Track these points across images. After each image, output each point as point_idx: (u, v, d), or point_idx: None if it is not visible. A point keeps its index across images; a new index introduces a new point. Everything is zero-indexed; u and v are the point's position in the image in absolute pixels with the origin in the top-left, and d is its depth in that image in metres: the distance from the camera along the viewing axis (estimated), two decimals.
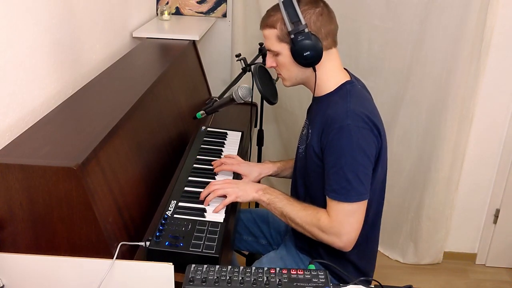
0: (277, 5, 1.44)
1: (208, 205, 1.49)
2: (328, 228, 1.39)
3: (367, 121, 1.38)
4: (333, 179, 1.38)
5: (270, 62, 1.51)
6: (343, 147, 1.36)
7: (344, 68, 1.54)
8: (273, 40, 1.45)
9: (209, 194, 1.49)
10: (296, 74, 1.48)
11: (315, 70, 1.44)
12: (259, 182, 1.77)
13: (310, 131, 1.50)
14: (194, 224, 1.36)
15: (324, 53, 1.41)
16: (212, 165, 1.71)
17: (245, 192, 1.50)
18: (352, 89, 1.46)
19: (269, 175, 1.77)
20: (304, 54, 1.38)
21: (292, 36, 1.38)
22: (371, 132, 1.39)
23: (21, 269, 1.23)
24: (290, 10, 1.38)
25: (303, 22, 1.37)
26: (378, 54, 2.48)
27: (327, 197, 1.41)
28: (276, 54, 1.47)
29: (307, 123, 1.56)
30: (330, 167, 1.39)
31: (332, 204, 1.39)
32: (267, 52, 1.51)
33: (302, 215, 1.43)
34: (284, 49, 1.43)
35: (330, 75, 1.47)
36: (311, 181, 1.51)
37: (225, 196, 1.50)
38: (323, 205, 1.45)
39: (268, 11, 1.48)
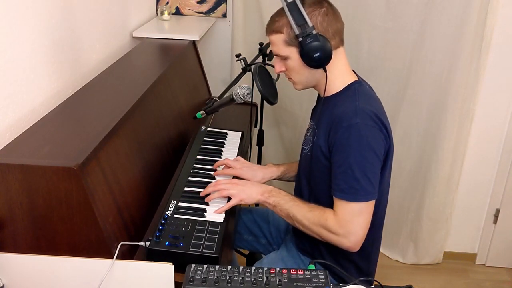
0: (281, 9, 1.43)
1: (208, 204, 1.49)
2: (336, 229, 1.38)
3: (376, 119, 1.38)
4: (341, 179, 1.38)
5: (278, 67, 1.50)
6: (352, 146, 1.36)
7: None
8: (280, 45, 1.44)
9: (214, 192, 1.49)
10: (306, 76, 1.47)
11: (325, 71, 1.43)
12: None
13: (316, 131, 1.49)
14: (194, 224, 1.36)
15: (333, 53, 1.40)
16: (212, 165, 1.71)
17: (250, 195, 1.49)
18: (360, 89, 1.46)
19: (273, 179, 1.77)
20: (314, 56, 1.37)
21: (300, 39, 1.37)
22: (380, 131, 1.39)
23: (21, 269, 1.23)
24: (296, 13, 1.37)
25: (310, 24, 1.37)
26: (378, 54, 2.48)
27: (334, 197, 1.41)
28: (284, 59, 1.46)
29: (313, 124, 1.55)
30: (338, 166, 1.39)
31: (339, 204, 1.39)
32: (275, 57, 1.50)
33: (309, 216, 1.43)
34: (292, 53, 1.43)
35: (339, 74, 1.47)
36: (316, 182, 1.51)
37: (229, 198, 1.49)
38: (328, 205, 1.45)
39: (272, 16, 1.47)
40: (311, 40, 1.36)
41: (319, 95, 1.58)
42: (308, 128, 1.59)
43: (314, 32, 1.37)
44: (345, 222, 1.37)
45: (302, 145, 1.60)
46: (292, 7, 1.38)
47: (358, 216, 1.37)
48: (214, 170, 1.69)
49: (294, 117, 2.83)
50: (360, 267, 1.56)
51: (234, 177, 1.67)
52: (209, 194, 1.50)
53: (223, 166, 1.69)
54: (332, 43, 1.40)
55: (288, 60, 1.45)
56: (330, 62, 1.41)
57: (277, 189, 1.51)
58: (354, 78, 1.49)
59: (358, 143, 1.35)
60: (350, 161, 1.36)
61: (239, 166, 1.69)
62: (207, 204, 1.49)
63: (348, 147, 1.36)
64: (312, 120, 1.58)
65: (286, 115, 2.90)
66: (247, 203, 1.50)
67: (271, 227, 1.84)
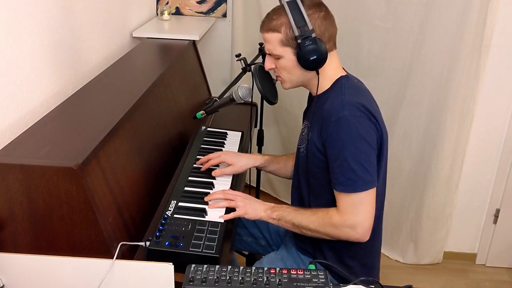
0: (279, 8, 1.43)
1: (208, 204, 1.49)
2: (342, 223, 1.39)
3: (362, 109, 1.39)
4: (338, 172, 1.39)
5: (269, 64, 1.51)
6: (343, 139, 1.37)
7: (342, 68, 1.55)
8: (275, 44, 1.44)
9: (222, 200, 1.49)
10: (298, 76, 1.48)
11: (318, 73, 1.44)
12: (244, 180, 1.79)
13: (310, 129, 1.50)
14: (194, 224, 1.36)
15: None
16: (201, 162, 1.70)
17: (255, 210, 1.50)
18: (347, 82, 1.48)
19: (255, 166, 1.78)
20: (311, 58, 1.38)
21: (299, 41, 1.38)
22: (368, 120, 1.40)
23: (21, 269, 1.23)
24: (296, 14, 1.37)
25: (310, 26, 1.37)
26: (378, 54, 2.48)
27: (335, 191, 1.42)
28: (277, 58, 1.46)
29: (307, 123, 1.56)
30: (333, 160, 1.40)
31: (340, 197, 1.40)
32: (267, 54, 1.51)
33: (314, 219, 1.44)
34: (287, 53, 1.43)
35: (330, 75, 1.48)
36: (316, 178, 1.51)
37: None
38: (328, 201, 1.46)
39: (269, 14, 1.47)
40: (310, 43, 1.37)
41: (310, 95, 1.59)
42: (303, 128, 1.60)
43: (313, 35, 1.38)
44: (349, 215, 1.38)
45: (298, 145, 1.60)
46: (293, 7, 1.38)
47: (360, 207, 1.38)
48: (213, 170, 1.69)
49: (294, 117, 2.83)
50: (364, 262, 1.57)
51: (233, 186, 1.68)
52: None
53: (207, 160, 1.70)
54: (327, 46, 1.41)
55: (280, 59, 1.46)
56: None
57: (278, 204, 1.53)
58: (341, 74, 1.51)
59: (348, 135, 1.37)
60: (344, 154, 1.37)
61: (223, 152, 1.72)
62: (207, 204, 1.49)
63: (340, 140, 1.38)
64: (306, 120, 1.59)
65: (286, 115, 2.90)
66: (250, 218, 1.50)
67: (270, 229, 1.84)
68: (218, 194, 1.51)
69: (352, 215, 1.38)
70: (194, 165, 1.71)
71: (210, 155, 1.71)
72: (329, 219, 1.41)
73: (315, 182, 1.52)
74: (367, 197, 1.39)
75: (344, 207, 1.39)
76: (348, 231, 1.39)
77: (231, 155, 1.71)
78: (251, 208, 1.50)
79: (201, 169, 1.68)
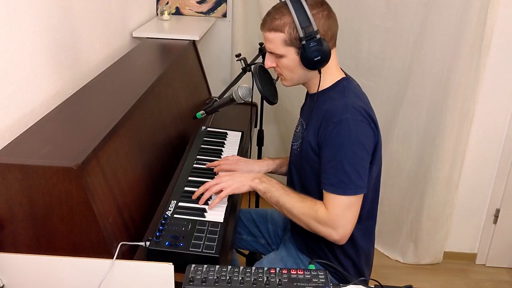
0: (281, 6, 1.41)
1: (208, 204, 1.49)
2: (326, 221, 1.39)
3: (365, 115, 1.39)
4: (331, 173, 1.38)
5: (270, 62, 1.49)
6: (342, 141, 1.37)
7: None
8: (278, 44, 1.42)
9: (204, 192, 1.48)
10: (299, 75, 1.47)
11: (320, 72, 1.44)
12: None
13: (305, 127, 1.50)
14: (194, 224, 1.36)
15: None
16: (212, 166, 1.70)
17: (241, 183, 1.48)
18: (349, 85, 1.47)
19: (269, 172, 1.77)
20: (315, 59, 1.38)
21: (304, 42, 1.36)
22: (368, 126, 1.40)
23: (21, 269, 1.23)
24: (300, 14, 1.36)
25: (315, 27, 1.36)
26: (378, 54, 2.48)
27: (324, 191, 1.41)
28: (279, 56, 1.45)
29: (301, 120, 1.56)
30: (328, 160, 1.40)
31: (329, 197, 1.40)
32: (268, 52, 1.49)
33: (299, 206, 1.43)
34: (290, 53, 1.42)
35: (329, 73, 1.48)
36: (307, 176, 1.51)
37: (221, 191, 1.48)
38: (318, 198, 1.45)
39: (270, 13, 1.44)
40: (315, 44, 1.36)
41: (307, 92, 1.58)
42: (297, 125, 1.60)
43: (318, 36, 1.36)
44: (335, 215, 1.38)
45: (292, 141, 1.60)
46: (297, 6, 1.36)
47: (347, 210, 1.38)
48: (213, 169, 1.69)
49: (294, 117, 2.83)
50: (356, 263, 1.57)
51: None
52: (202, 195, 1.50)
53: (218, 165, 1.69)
54: (329, 45, 1.40)
55: (282, 58, 1.44)
56: None
57: (268, 176, 1.51)
58: (342, 75, 1.50)
59: (348, 138, 1.37)
60: (340, 156, 1.37)
61: (234, 162, 1.70)
62: (207, 204, 1.49)
63: (338, 142, 1.37)
64: (301, 117, 1.59)
65: (286, 115, 2.90)
66: (240, 191, 1.49)
67: (269, 228, 1.85)
68: (200, 189, 1.49)
69: (337, 216, 1.38)
70: (194, 165, 1.71)
71: (222, 162, 1.69)
72: (315, 213, 1.40)
73: (306, 179, 1.53)
74: (355, 202, 1.39)
75: (331, 207, 1.39)
76: (329, 230, 1.39)
77: (242, 165, 1.69)
78: (237, 182, 1.48)
79: (214, 170, 1.67)
